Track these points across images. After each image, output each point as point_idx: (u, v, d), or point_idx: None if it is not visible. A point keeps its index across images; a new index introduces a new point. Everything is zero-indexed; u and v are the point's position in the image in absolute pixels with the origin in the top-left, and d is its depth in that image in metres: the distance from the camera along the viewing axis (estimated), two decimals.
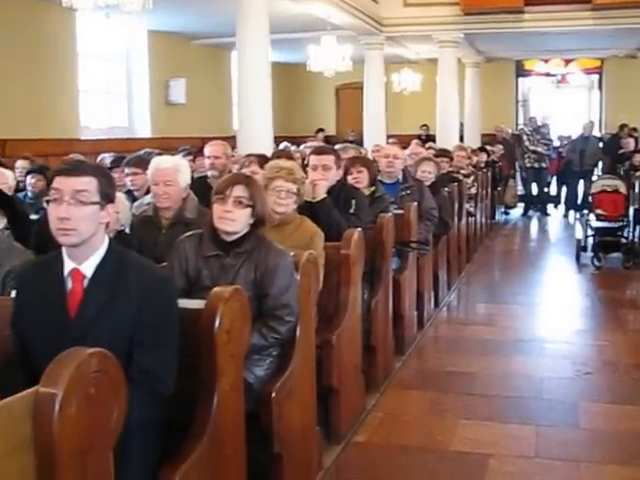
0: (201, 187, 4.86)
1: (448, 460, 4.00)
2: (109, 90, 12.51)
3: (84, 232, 2.44)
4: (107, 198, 2.50)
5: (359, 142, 13.28)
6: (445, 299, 7.65)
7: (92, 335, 2.38)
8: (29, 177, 6.71)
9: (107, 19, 11.05)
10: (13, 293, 3.06)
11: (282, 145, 10.60)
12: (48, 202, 2.49)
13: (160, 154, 7.18)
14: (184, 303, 2.68)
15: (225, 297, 2.70)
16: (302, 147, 10.39)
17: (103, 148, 9.38)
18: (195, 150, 7.39)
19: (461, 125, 15.72)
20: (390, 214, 5.36)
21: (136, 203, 5.05)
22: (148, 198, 5.03)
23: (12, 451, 1.85)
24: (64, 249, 2.53)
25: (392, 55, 15.60)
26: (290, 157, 6.15)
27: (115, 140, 11.50)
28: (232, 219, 3.27)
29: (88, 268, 2.50)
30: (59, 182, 2.45)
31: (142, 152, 8.48)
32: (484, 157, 12.78)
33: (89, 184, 2.45)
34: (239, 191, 3.30)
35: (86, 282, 2.49)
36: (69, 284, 2.51)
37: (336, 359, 4.03)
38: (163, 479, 2.46)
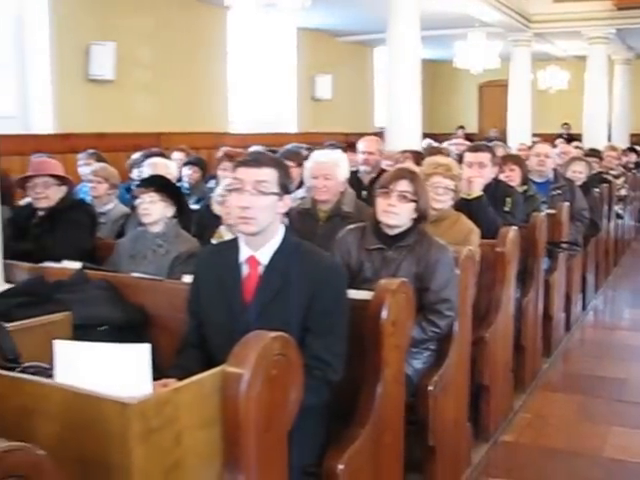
0: (352, 182, 4.94)
1: (602, 467, 3.92)
2: (257, 85, 12.83)
3: (263, 221, 2.55)
4: (285, 189, 2.61)
5: (502, 140, 13.08)
6: (592, 302, 7.45)
7: (266, 320, 2.48)
8: (186, 168, 6.99)
9: (263, 17, 11.32)
10: (185, 278, 3.24)
11: (425, 142, 10.57)
12: (230, 191, 2.61)
13: (309, 149, 7.35)
14: (351, 293, 2.75)
15: (392, 289, 2.76)
16: (446, 144, 10.32)
17: (251, 142, 9.65)
18: (344, 145, 7.48)
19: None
20: (543, 213, 5.29)
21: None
22: (301, 192, 5.16)
23: (202, 424, 1.97)
24: (241, 236, 2.66)
25: (539, 52, 15.28)
26: (446, 154, 6.15)
27: (262, 135, 11.79)
28: (396, 213, 3.32)
29: (264, 255, 2.61)
30: (242, 173, 2.57)
31: (290, 146, 8.67)
32: (633, 158, 12.32)
33: (269, 175, 2.56)
34: (403, 185, 3.34)
35: (261, 269, 2.60)
36: (245, 270, 2.63)
37: (488, 356, 4.02)
38: (328, 463, 2.54)
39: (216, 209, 3.75)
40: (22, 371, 2.16)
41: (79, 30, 9.02)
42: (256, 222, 2.54)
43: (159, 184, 4.09)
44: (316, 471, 2.55)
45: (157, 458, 1.82)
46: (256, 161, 2.59)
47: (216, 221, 4.49)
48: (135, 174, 6.80)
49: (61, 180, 4.63)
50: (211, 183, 6.84)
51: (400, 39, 8.17)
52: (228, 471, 2.02)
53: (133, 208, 5.47)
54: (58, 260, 3.79)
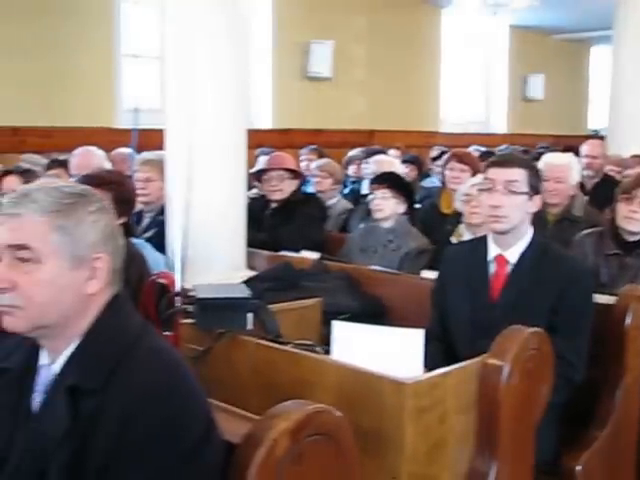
0: None
1: None
2: (468, 85, 12.81)
3: (513, 220, 2.65)
4: (534, 189, 2.69)
5: None
6: None
7: (512, 318, 2.55)
8: (402, 166, 7.14)
9: (479, 16, 11.32)
10: (423, 273, 3.38)
11: None
12: (481, 191, 2.73)
13: (525, 151, 7.31)
14: (594, 297, 2.78)
15: (637, 295, 2.77)
16: None
17: (460, 142, 9.70)
18: (560, 148, 7.36)
19: None
20: None
21: None
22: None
23: (461, 409, 2.10)
24: (490, 235, 2.77)
25: None
26: None
27: (472, 135, 11.78)
28: (638, 219, 3.30)
29: (512, 254, 2.70)
30: (493, 173, 2.68)
31: (503, 147, 8.64)
32: None
33: (520, 175, 2.65)
34: None
35: (509, 268, 2.70)
36: (493, 268, 2.73)
37: None
38: (566, 463, 2.60)
39: (460, 207, 3.86)
40: (295, 347, 2.38)
41: (300, 29, 9.43)
42: (507, 220, 2.64)
43: (392, 181, 4.26)
44: (551, 469, 2.61)
45: (424, 435, 1.97)
46: (507, 162, 2.69)
47: (441, 219, 4.61)
48: (351, 171, 7.04)
49: (294, 174, 4.91)
50: (427, 182, 6.98)
51: (629, 36, 7.88)
52: (481, 456, 2.14)
53: (356, 203, 5.71)
54: (291, 250, 4.05)
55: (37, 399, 1.59)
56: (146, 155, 4.42)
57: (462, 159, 4.86)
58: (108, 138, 6.56)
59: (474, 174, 4.46)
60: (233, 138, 3.83)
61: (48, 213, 1.52)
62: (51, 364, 1.59)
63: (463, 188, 3.85)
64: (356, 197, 6.11)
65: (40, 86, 6.95)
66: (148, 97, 7.56)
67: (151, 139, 4.63)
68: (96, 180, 3.22)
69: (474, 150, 7.45)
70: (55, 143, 6.69)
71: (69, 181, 4.64)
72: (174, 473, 1.43)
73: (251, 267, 3.93)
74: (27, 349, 1.66)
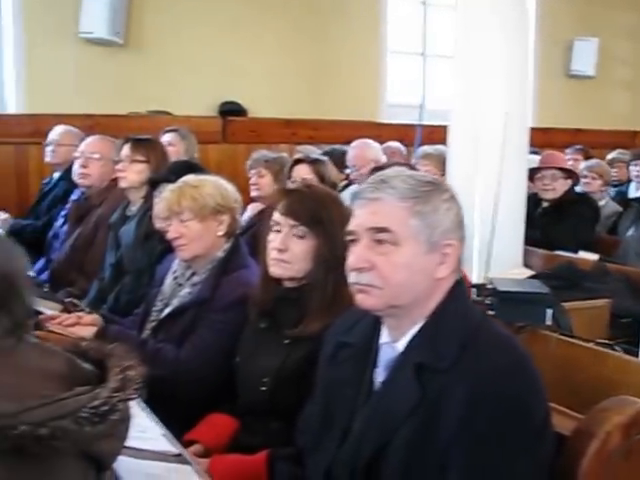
0: None
1: None
2: None
3: None
4: None
5: None
6: None
7: None
8: None
9: None
10: None
11: None
12: None
13: None
14: None
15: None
16: None
17: None
18: None
19: None
20: None
21: None
22: None
23: None
24: None
25: None
26: None
27: None
28: None
29: None
30: None
31: None
32: None
33: None
34: None
35: None
36: None
37: None
38: None
39: None
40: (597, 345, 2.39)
41: (564, 26, 9.19)
42: None
43: None
44: None
45: None
46: None
47: None
48: (614, 172, 6.77)
49: (567, 173, 4.85)
50: None
51: None
52: None
53: (624, 206, 5.53)
54: (564, 250, 4.01)
55: (380, 375, 1.72)
56: (426, 149, 4.56)
57: None
58: (373, 132, 6.78)
59: None
60: (516, 137, 3.86)
61: (407, 199, 1.64)
62: (393, 342, 1.72)
63: None
64: (624, 200, 5.92)
65: (310, 80, 7.31)
66: (411, 93, 7.74)
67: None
68: None
69: None
70: (323, 135, 7.01)
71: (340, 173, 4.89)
72: (529, 450, 1.51)
73: (527, 265, 3.95)
74: (367, 326, 1.81)
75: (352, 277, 1.69)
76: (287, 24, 7.12)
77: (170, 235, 2.74)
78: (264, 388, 2.30)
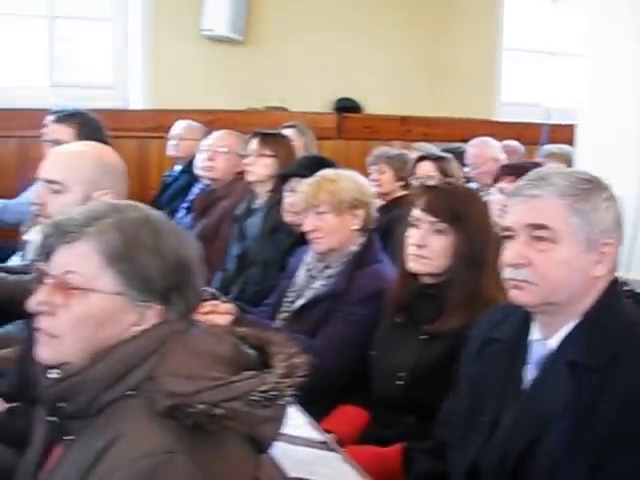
0: None
1: None
2: None
3: None
4: None
5: None
6: None
7: None
8: None
9: None
10: None
11: None
12: None
13: None
14: None
15: None
16: None
17: None
18: None
19: None
20: None
21: None
22: None
23: None
24: None
25: None
26: None
27: None
28: None
29: None
30: None
31: None
32: None
33: None
34: None
35: None
36: None
37: None
38: None
39: None
40: None
41: None
42: None
43: None
44: None
45: None
46: None
47: None
48: None
49: None
50: None
51: None
52: None
53: None
54: None
55: (531, 372, 1.72)
56: (551, 148, 4.49)
57: None
58: (488, 130, 6.69)
59: None
60: None
61: (567, 196, 1.63)
62: (545, 339, 1.71)
63: None
64: None
65: (425, 77, 7.27)
66: (527, 91, 7.62)
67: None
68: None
69: None
70: (437, 133, 6.97)
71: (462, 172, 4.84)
72: None
73: None
74: (516, 322, 1.80)
75: (507, 273, 1.69)
76: (403, 20, 7.10)
77: (306, 228, 2.78)
78: (400, 382, 2.32)
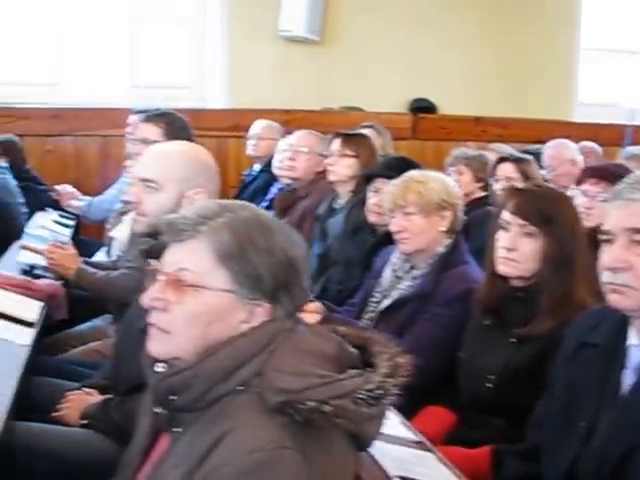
0: None
1: None
2: None
3: None
4: None
5: None
6: None
7: None
8: None
9: None
10: None
11: None
12: None
13: None
14: None
15: None
16: None
17: None
18: None
19: None
20: None
21: None
22: None
23: None
24: None
25: None
26: None
27: None
28: None
29: None
30: None
31: None
32: None
33: None
34: None
35: None
36: None
37: None
38: None
39: None
40: None
41: None
42: None
43: None
44: None
45: None
46: None
47: None
48: None
49: None
50: None
51: None
52: None
53: None
54: None
55: (629, 377, 1.71)
56: (633, 150, 4.41)
57: None
58: (564, 131, 6.59)
59: None
60: None
61: None
62: None
63: None
64: None
65: (501, 77, 7.20)
66: (604, 92, 7.49)
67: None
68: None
69: None
70: (513, 134, 6.90)
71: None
72: None
73: None
74: (612, 326, 1.79)
75: (606, 277, 1.68)
76: (478, 20, 7.05)
77: (393, 228, 2.79)
78: (489, 385, 2.32)
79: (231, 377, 1.36)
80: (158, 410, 1.47)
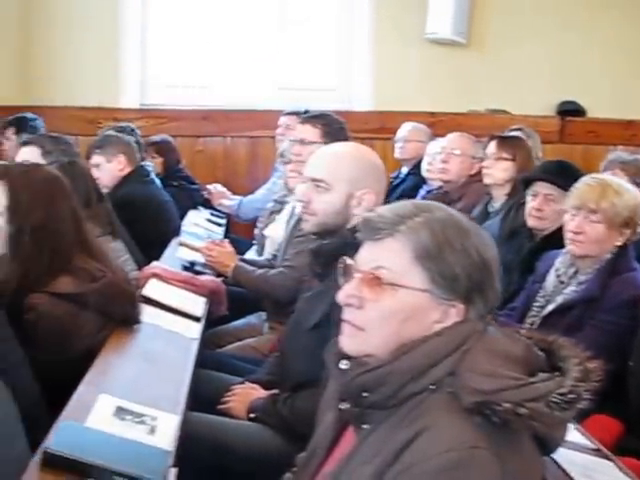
0: None
1: None
2: None
3: None
4: None
5: None
6: None
7: None
8: None
9: None
10: None
11: None
12: None
13: None
14: None
15: None
16: None
17: None
18: None
19: None
20: None
21: None
22: None
23: None
24: None
25: None
26: None
27: None
28: None
29: None
30: None
31: None
32: None
33: None
34: None
35: None
36: None
37: None
38: None
39: None
40: None
41: None
42: None
43: None
44: None
45: None
46: None
47: None
48: None
49: None
50: None
51: None
52: None
53: None
54: None
55: None
56: None
57: None
58: None
59: None
60: None
61: None
62: None
63: None
64: None
65: None
66: None
67: None
68: None
69: None
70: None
71: None
72: None
73: None
74: None
75: None
76: (626, 20, 6.78)
77: (571, 227, 2.71)
78: None
79: (425, 376, 1.36)
80: (344, 407, 1.49)
